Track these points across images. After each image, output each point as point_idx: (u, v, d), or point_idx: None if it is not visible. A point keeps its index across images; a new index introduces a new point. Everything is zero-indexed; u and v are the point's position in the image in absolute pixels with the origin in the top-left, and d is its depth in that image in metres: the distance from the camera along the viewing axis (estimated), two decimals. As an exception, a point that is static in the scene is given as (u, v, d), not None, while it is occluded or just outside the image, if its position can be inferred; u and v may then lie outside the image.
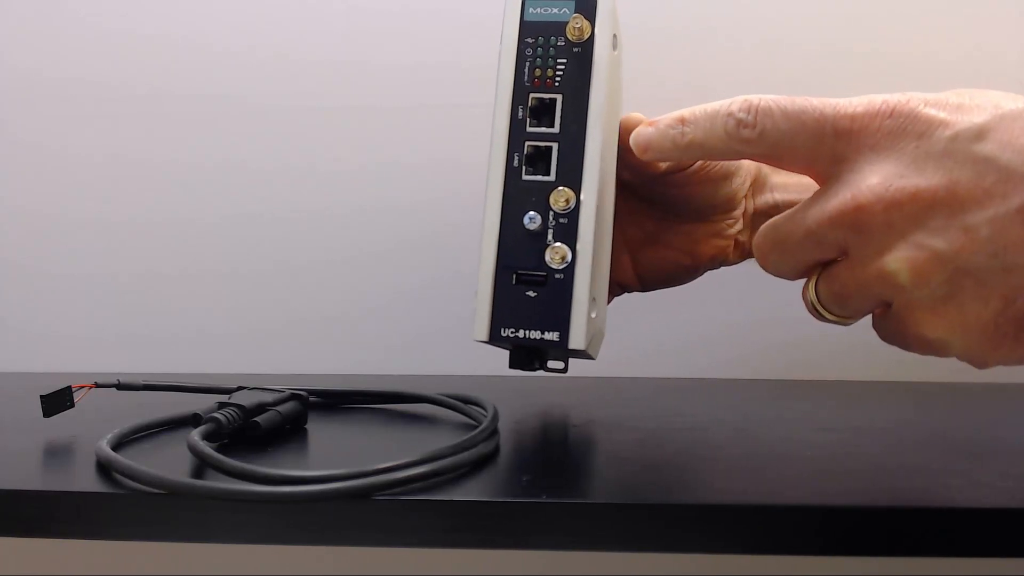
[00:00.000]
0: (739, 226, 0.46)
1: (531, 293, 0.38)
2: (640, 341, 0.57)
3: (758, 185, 0.46)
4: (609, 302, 0.44)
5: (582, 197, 0.38)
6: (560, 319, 0.38)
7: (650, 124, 0.37)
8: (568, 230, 0.38)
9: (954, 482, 0.33)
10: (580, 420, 0.46)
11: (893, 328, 0.33)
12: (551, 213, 0.38)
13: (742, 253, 0.46)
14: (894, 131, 0.31)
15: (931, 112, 0.31)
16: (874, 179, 0.31)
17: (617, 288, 0.46)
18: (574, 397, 0.50)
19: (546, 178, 0.39)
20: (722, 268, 0.47)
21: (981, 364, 0.32)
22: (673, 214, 0.46)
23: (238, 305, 0.61)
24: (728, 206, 0.45)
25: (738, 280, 0.50)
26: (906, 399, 0.52)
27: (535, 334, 0.38)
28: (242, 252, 0.61)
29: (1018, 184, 0.29)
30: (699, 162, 0.42)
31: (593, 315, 0.39)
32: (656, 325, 0.58)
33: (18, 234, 0.62)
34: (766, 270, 0.36)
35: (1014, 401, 0.52)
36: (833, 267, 0.33)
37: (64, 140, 0.61)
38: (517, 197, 0.39)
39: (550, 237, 0.38)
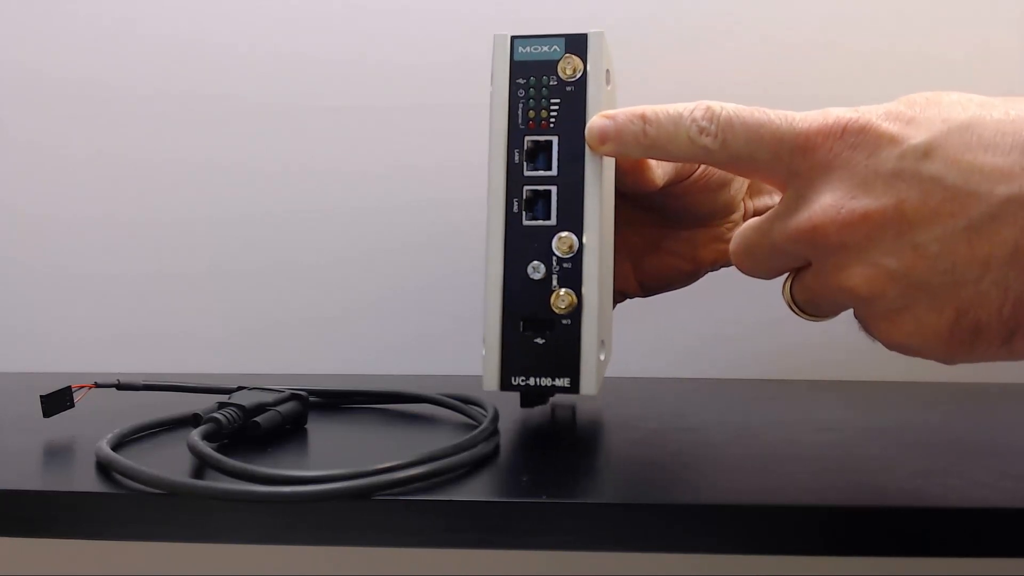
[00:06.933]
0: None
1: (539, 340, 0.37)
2: (640, 341, 0.57)
3: (755, 188, 0.46)
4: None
5: (584, 240, 0.37)
6: (570, 366, 0.37)
7: (607, 116, 0.37)
8: (572, 275, 0.37)
9: (954, 482, 0.33)
10: (580, 420, 0.46)
11: (864, 328, 0.34)
12: (554, 258, 0.37)
13: None
14: (845, 149, 0.32)
15: (883, 127, 0.31)
16: (827, 199, 0.32)
17: (619, 296, 0.46)
18: (574, 397, 0.50)
19: (547, 222, 0.38)
20: (722, 269, 0.47)
21: (946, 363, 0.33)
22: (674, 221, 0.46)
23: (239, 305, 0.61)
24: (727, 211, 0.45)
25: (738, 281, 0.50)
26: (906, 399, 0.52)
27: (546, 381, 0.37)
28: (242, 252, 0.61)
29: (963, 203, 0.29)
30: (698, 172, 0.42)
31: (601, 357, 0.38)
32: (656, 326, 0.58)
33: (18, 234, 0.62)
34: (742, 272, 0.37)
35: (1014, 401, 0.52)
36: (803, 274, 0.35)
37: (64, 140, 0.61)
38: (519, 243, 0.38)
39: (555, 283, 0.37)
